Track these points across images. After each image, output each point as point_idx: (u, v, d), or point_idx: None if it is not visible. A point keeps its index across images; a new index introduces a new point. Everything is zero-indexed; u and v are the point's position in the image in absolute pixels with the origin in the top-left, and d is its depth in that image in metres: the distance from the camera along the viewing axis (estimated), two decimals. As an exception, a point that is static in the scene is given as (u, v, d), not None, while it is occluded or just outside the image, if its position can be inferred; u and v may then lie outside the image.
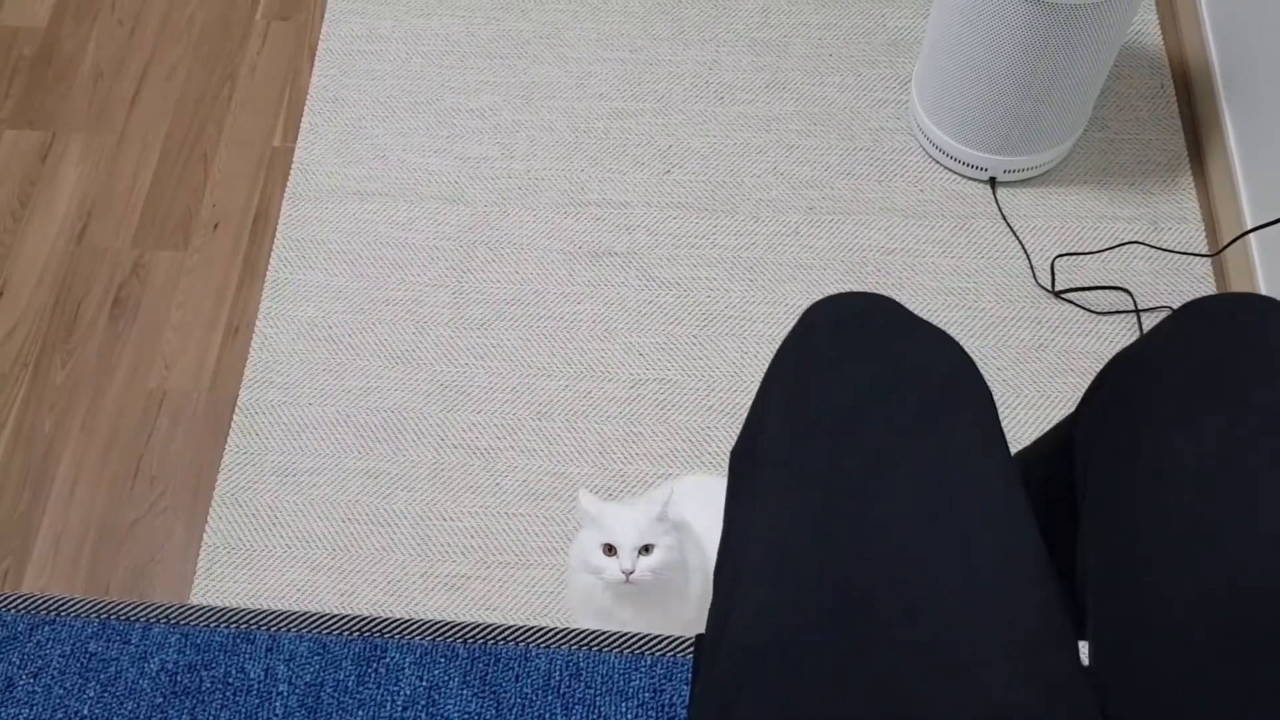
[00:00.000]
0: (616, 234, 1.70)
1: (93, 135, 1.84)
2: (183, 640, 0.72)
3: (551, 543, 1.48)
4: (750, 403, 0.75)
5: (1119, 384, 0.71)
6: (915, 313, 0.73)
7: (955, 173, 1.73)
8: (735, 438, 1.66)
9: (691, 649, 0.80)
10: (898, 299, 1.65)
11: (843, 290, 0.75)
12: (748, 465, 0.71)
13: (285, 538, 1.49)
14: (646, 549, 1.11)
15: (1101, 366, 0.76)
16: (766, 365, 1.57)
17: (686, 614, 1.19)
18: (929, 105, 1.68)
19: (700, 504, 1.24)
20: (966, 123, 1.63)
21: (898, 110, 1.80)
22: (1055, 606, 0.60)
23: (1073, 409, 0.78)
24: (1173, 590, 0.58)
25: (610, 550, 1.11)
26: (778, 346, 0.75)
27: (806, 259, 1.67)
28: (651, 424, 1.55)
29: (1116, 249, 1.65)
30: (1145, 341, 0.72)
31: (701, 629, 1.24)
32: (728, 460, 0.76)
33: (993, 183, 1.70)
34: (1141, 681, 0.58)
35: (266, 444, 1.56)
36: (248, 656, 0.70)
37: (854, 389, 0.67)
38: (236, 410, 1.58)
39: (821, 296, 0.75)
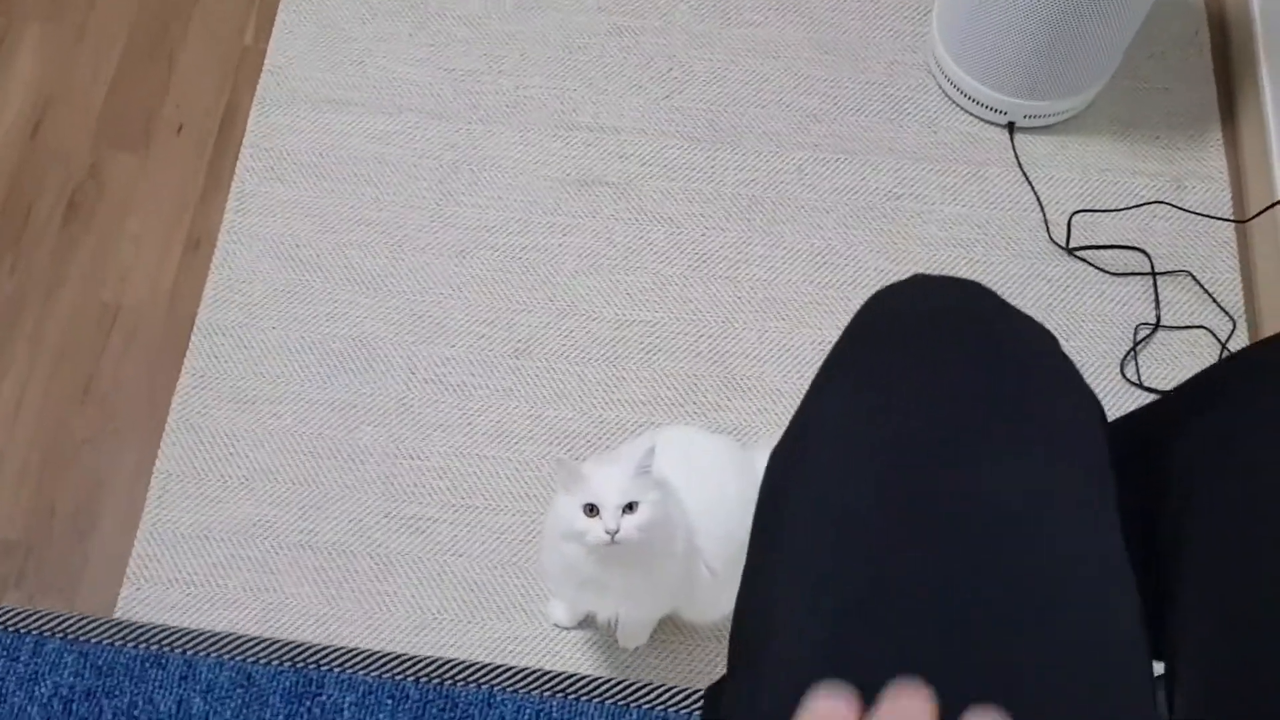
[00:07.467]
0: (608, 162, 1.60)
1: (51, 25, 1.71)
2: (81, 660, 0.63)
3: (524, 488, 1.40)
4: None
5: (1243, 392, 0.62)
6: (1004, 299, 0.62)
7: (972, 114, 1.62)
8: (723, 386, 1.55)
9: (681, 699, 0.72)
10: (903, 247, 1.56)
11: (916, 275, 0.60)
12: (785, 483, 0.60)
13: (243, 469, 1.41)
14: (630, 507, 1.03)
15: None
16: (760, 311, 1.49)
17: (674, 574, 1.12)
18: (949, 40, 1.57)
19: (681, 457, 1.16)
20: (989, 61, 1.52)
21: (915, 43, 1.69)
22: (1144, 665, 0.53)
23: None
24: None
25: (592, 511, 1.03)
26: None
27: (808, 199, 1.57)
28: (635, 368, 1.46)
29: (1137, 208, 1.56)
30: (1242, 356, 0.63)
31: (684, 593, 1.17)
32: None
33: (1011, 128, 1.60)
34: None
35: (226, 368, 1.47)
36: (157, 684, 0.62)
37: (929, 410, 0.56)
38: (195, 330, 1.49)
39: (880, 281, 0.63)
